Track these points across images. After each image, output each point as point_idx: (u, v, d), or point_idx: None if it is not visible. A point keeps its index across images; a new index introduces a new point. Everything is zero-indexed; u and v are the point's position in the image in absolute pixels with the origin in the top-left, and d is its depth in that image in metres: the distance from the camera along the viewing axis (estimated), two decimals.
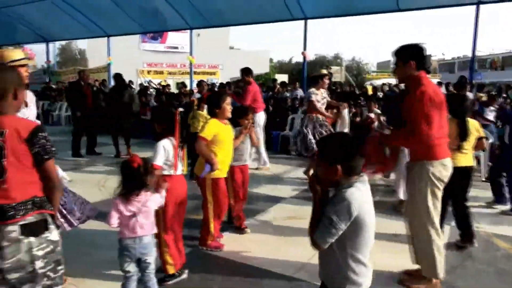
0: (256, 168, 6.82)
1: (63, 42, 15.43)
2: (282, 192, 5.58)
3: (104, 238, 3.54)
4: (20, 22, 14.13)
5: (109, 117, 8.34)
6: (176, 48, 26.29)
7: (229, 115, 3.51)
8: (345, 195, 1.62)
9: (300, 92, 11.93)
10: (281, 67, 46.67)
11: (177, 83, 14.74)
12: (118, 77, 8.20)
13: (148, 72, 24.29)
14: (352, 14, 11.82)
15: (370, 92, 14.45)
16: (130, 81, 15.69)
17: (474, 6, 8.84)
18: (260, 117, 6.79)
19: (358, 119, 8.06)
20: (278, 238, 3.99)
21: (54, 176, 1.94)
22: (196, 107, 6.13)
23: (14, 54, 2.70)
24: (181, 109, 7.68)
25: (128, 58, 19.98)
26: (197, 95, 7.93)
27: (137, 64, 23.59)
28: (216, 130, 3.38)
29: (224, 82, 13.88)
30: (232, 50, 30.41)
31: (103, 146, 8.53)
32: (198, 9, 11.19)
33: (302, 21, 11.31)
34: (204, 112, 5.73)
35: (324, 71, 6.19)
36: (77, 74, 17.60)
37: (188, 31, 13.46)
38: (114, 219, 2.43)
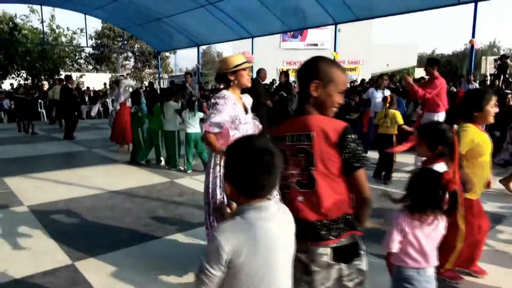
0: None
1: (204, 47, 16.65)
2: None
3: None
4: (176, 29, 15.58)
5: None
6: (316, 45, 25.85)
7: (491, 120, 2.69)
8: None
9: (476, 85, 10.04)
10: (420, 60, 42.24)
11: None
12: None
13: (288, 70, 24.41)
14: None
15: None
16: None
17: None
18: (441, 118, 5.75)
19: None
20: None
21: (366, 188, 1.56)
22: (388, 105, 5.63)
23: (237, 59, 2.67)
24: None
25: (269, 58, 20.35)
26: (387, 92, 7.30)
27: (277, 63, 23.96)
28: (477, 140, 2.62)
29: (366, 78, 13.00)
30: (374, 44, 28.40)
31: None
32: (345, 1, 10.47)
33: (465, 5, 10.09)
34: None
35: None
36: None
37: (329, 27, 12.80)
38: (395, 244, 1.91)
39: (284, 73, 9.01)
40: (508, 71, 11.75)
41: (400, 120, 5.52)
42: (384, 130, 5.62)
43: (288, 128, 1.60)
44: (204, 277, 1.22)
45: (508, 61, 11.89)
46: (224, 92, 2.63)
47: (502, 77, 11.24)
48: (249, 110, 2.78)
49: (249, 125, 2.69)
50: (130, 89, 8.02)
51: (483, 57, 25.09)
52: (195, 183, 5.53)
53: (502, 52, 39.47)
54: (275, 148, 1.27)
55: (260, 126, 2.85)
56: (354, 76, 21.07)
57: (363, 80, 14.56)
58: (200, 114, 6.11)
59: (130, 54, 30.74)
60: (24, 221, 3.95)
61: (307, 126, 1.53)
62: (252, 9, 12.25)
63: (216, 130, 2.49)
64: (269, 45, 21.55)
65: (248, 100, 2.84)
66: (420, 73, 21.84)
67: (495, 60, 13.27)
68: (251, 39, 14.35)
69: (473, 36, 10.43)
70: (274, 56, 23.25)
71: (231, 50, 26.65)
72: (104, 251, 3.25)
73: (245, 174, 1.24)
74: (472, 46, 11.06)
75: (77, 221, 4.00)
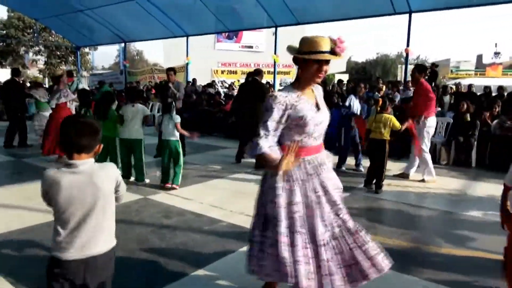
0: (421, 180, 5.70)
1: (122, 44, 15.44)
2: None
3: None
4: (100, 23, 14.06)
5: None
6: (251, 47, 25.54)
7: None
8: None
9: (411, 93, 10.37)
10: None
11: None
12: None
13: (222, 72, 23.81)
14: (466, 6, 10.59)
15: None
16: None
17: None
18: (432, 122, 5.81)
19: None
20: None
21: None
22: (379, 109, 5.27)
23: (320, 43, 1.94)
24: None
25: (204, 58, 19.58)
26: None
27: (211, 64, 23.20)
28: None
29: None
30: None
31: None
32: (287, 5, 10.24)
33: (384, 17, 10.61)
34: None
35: None
36: (154, 73, 17.96)
37: (264, 30, 12.61)
38: None
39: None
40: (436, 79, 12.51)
41: (397, 125, 5.12)
42: (376, 135, 5.20)
43: None
44: None
45: (437, 69, 12.67)
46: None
47: (433, 84, 11.94)
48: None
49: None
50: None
51: (400, 65, 27.30)
52: (174, 199, 4.66)
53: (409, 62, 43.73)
54: None
55: None
56: (288, 80, 21.13)
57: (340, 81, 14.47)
58: (177, 118, 5.16)
59: (42, 48, 27.69)
60: None
61: None
62: (185, 6, 11.50)
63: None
64: (203, 46, 20.73)
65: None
66: (342, 77, 22.68)
67: (415, 67, 14.26)
68: (186, 37, 13.49)
69: (407, 45, 10.86)
70: (208, 56, 22.44)
71: (162, 49, 25.25)
72: None
73: None
74: (407, 55, 11.59)
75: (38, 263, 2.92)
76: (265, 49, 23.86)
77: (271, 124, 1.92)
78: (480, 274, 2.88)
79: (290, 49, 2.03)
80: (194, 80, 14.23)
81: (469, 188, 5.45)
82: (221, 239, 3.48)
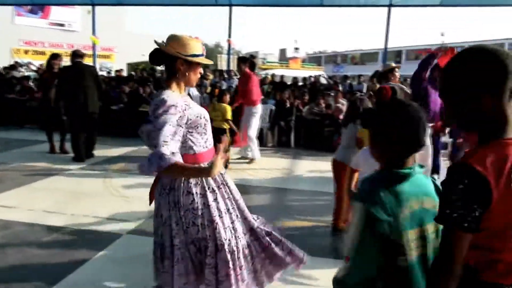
0: (250, 161, 6.25)
1: None
2: None
3: None
4: None
5: None
6: (62, 25, 22.27)
7: None
8: None
9: (236, 82, 11.08)
10: None
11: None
12: None
13: (26, 51, 20.05)
14: (281, 5, 12.23)
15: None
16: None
17: (386, 8, 10.37)
18: (259, 109, 6.34)
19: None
20: None
21: None
22: (217, 98, 5.58)
23: (197, 45, 1.89)
24: None
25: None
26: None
27: (11, 42, 19.24)
28: None
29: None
30: (129, 33, 27.27)
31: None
32: None
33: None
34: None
35: (393, 64, 5.75)
36: None
37: (78, 7, 11.57)
38: None
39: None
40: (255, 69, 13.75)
41: (229, 115, 5.52)
42: (217, 124, 5.35)
43: None
44: None
45: (256, 60, 13.90)
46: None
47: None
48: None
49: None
50: None
51: (219, 55, 28.91)
52: None
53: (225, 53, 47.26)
54: None
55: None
56: (108, 64, 19.60)
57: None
58: None
59: None
60: None
61: None
62: None
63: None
64: None
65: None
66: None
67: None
68: None
69: (229, 36, 11.65)
70: (6, 33, 18.51)
71: None
72: None
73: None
74: (229, 45, 12.39)
75: None
76: (80, 28, 21.29)
77: (169, 129, 1.71)
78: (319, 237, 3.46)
79: (159, 44, 1.90)
80: None
81: (293, 166, 6.34)
82: (70, 248, 3.06)
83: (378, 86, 5.10)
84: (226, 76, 12.11)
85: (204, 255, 1.86)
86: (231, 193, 2.02)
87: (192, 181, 1.85)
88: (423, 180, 1.23)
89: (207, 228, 1.85)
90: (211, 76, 12.88)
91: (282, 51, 49.93)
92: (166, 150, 1.66)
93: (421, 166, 1.24)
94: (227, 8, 11.22)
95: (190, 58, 1.86)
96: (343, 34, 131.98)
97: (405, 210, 1.13)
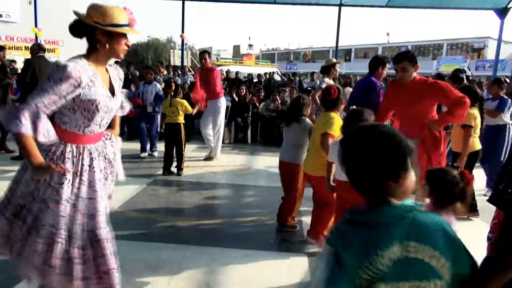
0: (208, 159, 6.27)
1: None
2: None
3: None
4: None
5: None
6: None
7: None
8: None
9: (190, 78, 10.89)
10: None
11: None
12: None
13: None
14: (235, 1, 12.40)
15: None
16: None
17: (337, 7, 10.94)
18: (224, 102, 6.43)
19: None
20: None
21: None
22: (172, 94, 5.41)
23: (120, 14, 1.76)
24: None
25: None
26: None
27: None
28: None
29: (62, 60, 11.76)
30: None
31: None
32: None
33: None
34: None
35: (335, 60, 5.83)
36: None
37: None
38: None
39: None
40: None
41: (189, 109, 5.46)
42: (172, 119, 5.28)
43: None
44: None
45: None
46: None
47: None
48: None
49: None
50: None
51: (171, 51, 28.36)
52: None
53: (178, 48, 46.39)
54: None
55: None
56: (54, 58, 18.43)
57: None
58: None
59: None
60: None
61: None
62: None
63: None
64: None
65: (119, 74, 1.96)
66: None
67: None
68: None
69: (182, 31, 11.44)
70: None
71: None
72: None
73: None
74: (183, 41, 12.18)
75: None
76: (19, 19, 19.81)
77: (50, 97, 1.60)
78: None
79: (78, 15, 1.78)
80: None
81: (251, 162, 6.35)
82: None
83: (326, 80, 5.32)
84: (179, 72, 11.89)
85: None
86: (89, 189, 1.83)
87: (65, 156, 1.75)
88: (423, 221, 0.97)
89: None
90: (165, 72, 12.60)
91: (236, 48, 49.92)
92: (26, 115, 1.57)
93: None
94: (180, 2, 11.01)
95: (109, 28, 1.72)
96: (296, 32, 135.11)
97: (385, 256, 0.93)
